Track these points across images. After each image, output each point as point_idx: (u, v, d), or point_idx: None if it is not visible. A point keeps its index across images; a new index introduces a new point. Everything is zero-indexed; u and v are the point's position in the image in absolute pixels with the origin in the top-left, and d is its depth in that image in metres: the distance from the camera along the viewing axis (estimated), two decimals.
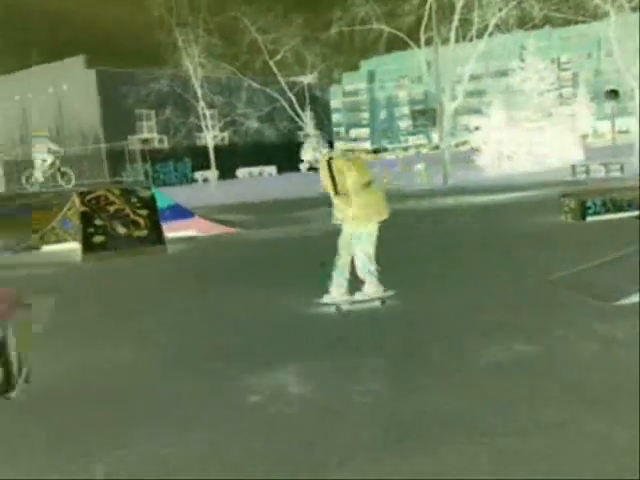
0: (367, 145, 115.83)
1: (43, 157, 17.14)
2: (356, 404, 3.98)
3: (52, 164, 17.16)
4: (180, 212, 14.32)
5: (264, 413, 3.96)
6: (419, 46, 29.96)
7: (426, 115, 29.94)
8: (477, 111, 40.15)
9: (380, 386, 4.27)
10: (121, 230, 11.96)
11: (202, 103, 35.33)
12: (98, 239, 11.76)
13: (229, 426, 3.82)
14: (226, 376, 4.69)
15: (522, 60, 37.76)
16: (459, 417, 3.65)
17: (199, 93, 34.94)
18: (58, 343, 5.75)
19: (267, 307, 6.73)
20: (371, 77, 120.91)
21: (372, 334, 5.52)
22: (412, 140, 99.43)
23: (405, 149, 78.98)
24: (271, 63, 32.70)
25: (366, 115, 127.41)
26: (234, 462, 3.36)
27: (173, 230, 13.14)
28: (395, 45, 32.14)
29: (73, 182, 17.50)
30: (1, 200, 18.19)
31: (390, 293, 6.54)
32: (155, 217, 12.35)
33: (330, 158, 6.32)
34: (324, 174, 6.27)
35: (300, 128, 43.05)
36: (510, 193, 18.63)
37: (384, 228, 6.40)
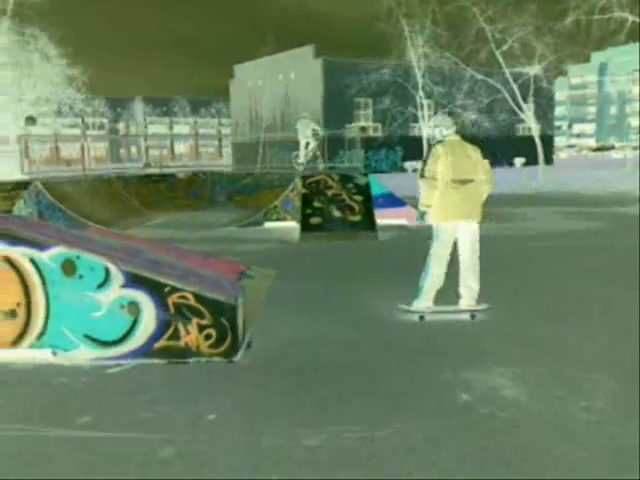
0: (591, 142, 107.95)
1: (307, 140, 18.30)
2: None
3: (312, 147, 18.22)
4: (392, 200, 14.47)
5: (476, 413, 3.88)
6: None
7: None
8: None
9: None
10: (336, 214, 12.43)
11: (421, 93, 35.29)
12: (315, 220, 12.33)
13: (441, 420, 3.79)
14: (435, 370, 4.67)
15: None
16: None
17: (420, 83, 34.91)
18: (278, 314, 6.11)
19: None
20: (602, 70, 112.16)
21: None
22: None
23: (634, 148, 72.17)
24: (497, 53, 31.54)
25: (593, 110, 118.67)
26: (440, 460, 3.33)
27: (385, 217, 13.34)
28: (633, 35, 29.21)
29: (323, 165, 18.44)
30: (232, 178, 19.89)
31: (484, 307, 6.05)
32: (369, 204, 12.63)
33: (440, 141, 6.07)
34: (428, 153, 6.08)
35: (519, 121, 41.28)
36: None
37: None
